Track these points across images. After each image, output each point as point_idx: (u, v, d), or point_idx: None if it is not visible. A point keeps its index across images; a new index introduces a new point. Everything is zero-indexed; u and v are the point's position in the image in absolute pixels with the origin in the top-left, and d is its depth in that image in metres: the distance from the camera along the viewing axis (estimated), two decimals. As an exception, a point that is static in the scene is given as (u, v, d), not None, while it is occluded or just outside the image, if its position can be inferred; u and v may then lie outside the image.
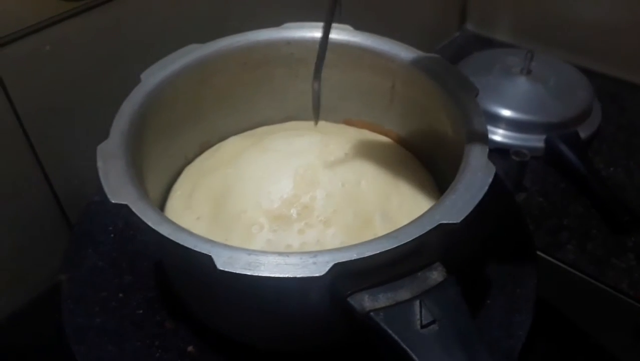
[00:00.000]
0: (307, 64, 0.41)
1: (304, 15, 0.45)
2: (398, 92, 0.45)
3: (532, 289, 0.40)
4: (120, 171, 0.33)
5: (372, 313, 0.29)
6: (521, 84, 0.66)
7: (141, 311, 0.40)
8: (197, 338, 0.38)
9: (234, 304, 0.34)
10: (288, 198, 0.37)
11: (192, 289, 0.37)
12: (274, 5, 0.54)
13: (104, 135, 0.35)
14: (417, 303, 0.29)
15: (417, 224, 0.30)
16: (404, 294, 0.29)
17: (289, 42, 0.45)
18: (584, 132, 0.64)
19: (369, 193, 0.39)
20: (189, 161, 0.45)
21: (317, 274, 0.28)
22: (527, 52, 0.66)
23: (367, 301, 0.29)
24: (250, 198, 0.38)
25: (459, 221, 0.30)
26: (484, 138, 0.35)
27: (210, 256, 0.28)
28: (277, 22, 0.45)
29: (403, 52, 0.43)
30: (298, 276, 0.28)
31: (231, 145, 0.45)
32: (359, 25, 0.45)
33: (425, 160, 0.45)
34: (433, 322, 0.29)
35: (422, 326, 0.28)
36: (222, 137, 0.47)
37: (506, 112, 0.64)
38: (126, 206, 0.31)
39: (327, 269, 0.28)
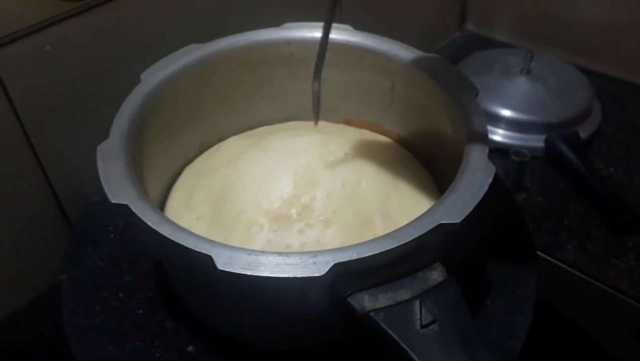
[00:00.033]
0: (307, 64, 0.41)
1: (304, 15, 0.45)
2: (398, 92, 0.45)
3: (532, 290, 0.40)
4: (120, 171, 0.33)
5: (372, 313, 0.29)
6: (521, 84, 0.66)
7: (141, 311, 0.40)
8: (197, 338, 0.38)
9: (234, 304, 0.34)
10: (288, 198, 0.37)
11: (192, 289, 0.37)
12: (274, 5, 0.54)
13: (104, 135, 0.35)
14: (417, 303, 0.29)
15: (417, 224, 0.30)
16: (404, 295, 0.29)
17: (289, 42, 0.45)
18: (584, 132, 0.64)
19: (369, 193, 0.39)
20: (189, 161, 0.45)
21: (317, 274, 0.28)
22: (527, 52, 0.66)
23: (367, 301, 0.29)
24: (250, 198, 0.38)
25: (459, 221, 0.30)
26: (484, 138, 0.35)
27: (210, 256, 0.28)
28: (277, 22, 0.45)
29: (403, 52, 0.43)
30: (298, 276, 0.28)
31: (231, 145, 0.45)
32: (359, 25, 0.45)
33: (425, 160, 0.45)
34: (433, 322, 0.29)
35: (422, 326, 0.28)
36: (222, 137, 0.47)
37: (506, 112, 0.64)
38: (126, 206, 0.31)
39: (327, 269, 0.28)
